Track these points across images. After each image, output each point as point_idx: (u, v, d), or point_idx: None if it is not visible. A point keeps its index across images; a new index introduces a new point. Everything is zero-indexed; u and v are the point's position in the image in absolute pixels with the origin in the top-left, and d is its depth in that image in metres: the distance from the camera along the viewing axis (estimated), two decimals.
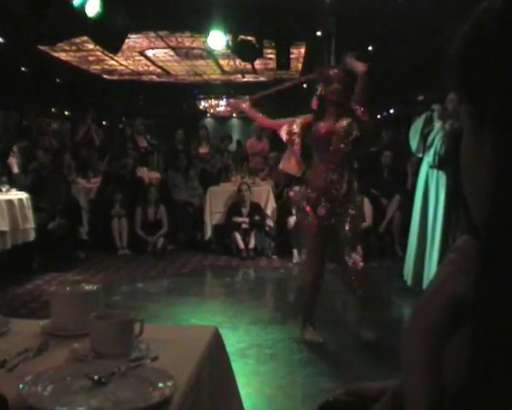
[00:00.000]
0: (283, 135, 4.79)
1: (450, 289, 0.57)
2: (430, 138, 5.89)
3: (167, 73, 14.57)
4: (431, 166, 5.89)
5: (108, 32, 7.54)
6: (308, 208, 4.65)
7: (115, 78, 15.02)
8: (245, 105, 5.28)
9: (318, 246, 4.68)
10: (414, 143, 6.02)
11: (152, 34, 10.45)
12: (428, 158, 5.91)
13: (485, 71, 0.56)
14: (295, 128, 4.74)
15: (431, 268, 5.79)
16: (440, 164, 5.75)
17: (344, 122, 4.59)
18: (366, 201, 8.07)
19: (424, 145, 5.93)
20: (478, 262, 0.52)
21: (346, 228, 4.60)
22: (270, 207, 8.85)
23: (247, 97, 5.33)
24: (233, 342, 4.47)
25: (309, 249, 4.79)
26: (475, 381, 0.51)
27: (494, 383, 0.50)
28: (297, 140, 4.73)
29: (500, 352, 0.49)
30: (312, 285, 4.73)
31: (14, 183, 7.34)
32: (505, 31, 0.54)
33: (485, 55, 0.56)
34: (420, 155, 6.06)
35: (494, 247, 0.51)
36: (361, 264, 4.63)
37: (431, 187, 5.92)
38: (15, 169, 8.23)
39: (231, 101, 5.05)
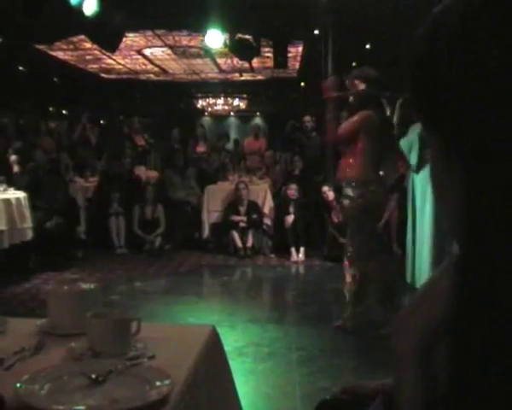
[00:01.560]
0: None
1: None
2: (408, 142, 5.91)
3: (165, 71, 14.57)
4: (414, 171, 5.94)
5: (106, 31, 7.53)
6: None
7: (113, 77, 15.02)
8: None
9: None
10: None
11: (149, 33, 10.45)
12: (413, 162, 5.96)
13: (443, 94, 0.52)
14: None
15: (422, 265, 5.82)
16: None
17: None
18: None
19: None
20: (454, 287, 0.52)
21: None
22: (268, 206, 8.85)
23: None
24: (230, 340, 4.47)
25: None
26: (462, 382, 0.51)
27: (479, 387, 0.49)
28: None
29: (476, 364, 0.49)
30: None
31: (13, 182, 7.34)
32: (463, 43, 0.50)
33: (441, 76, 0.52)
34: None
35: (469, 271, 0.50)
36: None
37: (417, 187, 5.96)
38: (15, 168, 8.23)
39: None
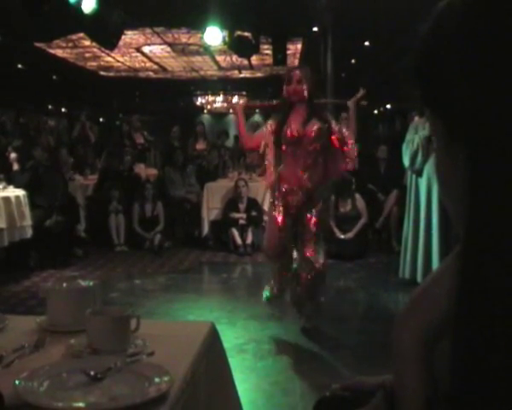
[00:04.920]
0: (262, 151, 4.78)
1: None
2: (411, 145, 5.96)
3: (164, 69, 14.56)
4: (418, 174, 5.99)
5: (105, 29, 7.53)
6: (278, 199, 4.67)
7: (112, 74, 15.01)
8: (238, 105, 5.25)
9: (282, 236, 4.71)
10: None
11: (148, 30, 10.45)
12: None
13: (448, 83, 0.53)
14: (267, 137, 4.71)
15: (429, 261, 5.81)
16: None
17: (314, 126, 4.56)
18: (359, 197, 8.02)
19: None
20: (456, 277, 0.51)
21: (311, 223, 4.64)
22: (268, 203, 8.83)
23: (243, 101, 5.38)
24: (230, 337, 4.47)
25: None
26: (464, 378, 0.50)
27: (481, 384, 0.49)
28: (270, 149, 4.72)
29: (478, 362, 0.49)
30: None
31: (12, 180, 7.33)
32: (467, 35, 0.51)
33: (446, 65, 0.53)
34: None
35: (472, 260, 0.50)
36: (320, 264, 4.67)
37: (422, 182, 5.97)
38: (15, 166, 8.23)
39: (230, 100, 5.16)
